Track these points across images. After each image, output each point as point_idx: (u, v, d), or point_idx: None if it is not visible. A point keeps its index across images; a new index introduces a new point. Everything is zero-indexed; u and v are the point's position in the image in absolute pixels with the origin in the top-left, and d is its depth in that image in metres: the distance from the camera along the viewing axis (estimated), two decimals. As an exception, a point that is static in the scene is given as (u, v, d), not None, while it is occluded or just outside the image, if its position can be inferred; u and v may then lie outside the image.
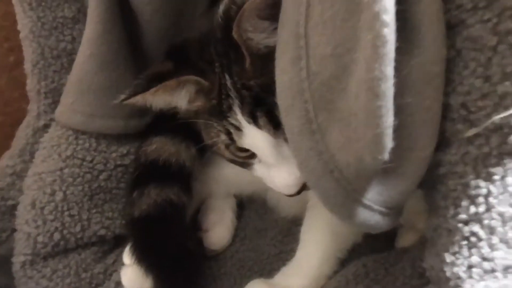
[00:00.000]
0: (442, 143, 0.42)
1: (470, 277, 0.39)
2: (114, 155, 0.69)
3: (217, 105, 0.51)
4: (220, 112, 0.51)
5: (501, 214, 0.39)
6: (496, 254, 0.39)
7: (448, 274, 0.40)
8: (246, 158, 0.54)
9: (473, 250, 0.40)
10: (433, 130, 0.41)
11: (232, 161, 0.57)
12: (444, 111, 0.41)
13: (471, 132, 0.41)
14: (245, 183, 0.71)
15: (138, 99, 0.51)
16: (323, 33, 0.39)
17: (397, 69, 0.36)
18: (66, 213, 0.66)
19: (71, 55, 0.71)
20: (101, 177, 0.68)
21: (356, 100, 0.37)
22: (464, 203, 0.41)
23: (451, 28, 0.40)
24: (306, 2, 0.40)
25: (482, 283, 0.38)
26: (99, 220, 0.68)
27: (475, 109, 0.40)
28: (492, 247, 0.39)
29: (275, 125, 0.48)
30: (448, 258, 0.41)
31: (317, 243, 0.61)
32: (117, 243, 0.70)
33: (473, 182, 0.41)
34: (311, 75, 0.39)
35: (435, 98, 0.40)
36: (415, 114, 0.40)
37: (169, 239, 0.60)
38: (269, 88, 0.44)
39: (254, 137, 0.49)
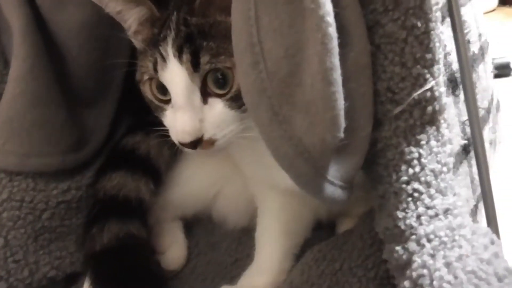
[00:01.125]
0: (376, 123, 0.51)
1: (420, 224, 0.48)
2: (54, 192, 0.67)
3: (156, 34, 0.54)
4: (156, 41, 0.53)
5: (432, 170, 0.49)
6: (435, 202, 0.48)
7: (402, 227, 0.48)
8: (162, 101, 0.56)
9: (418, 203, 0.49)
10: (369, 112, 0.50)
11: (150, 104, 0.58)
12: (374, 96, 0.50)
13: (397, 109, 0.50)
14: (189, 205, 0.74)
15: None
16: (274, 39, 0.45)
17: (340, 61, 0.44)
18: (10, 259, 0.62)
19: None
20: (43, 216, 0.65)
21: (313, 90, 0.44)
22: (403, 167, 0.50)
23: (370, 28, 0.50)
24: (254, 14, 0.46)
25: (431, 226, 0.47)
26: (47, 261, 0.65)
27: (398, 90, 0.50)
28: (431, 197, 0.48)
29: (194, 66, 0.50)
30: (400, 214, 0.49)
31: (274, 243, 0.66)
32: (68, 282, 0.67)
33: (406, 149, 0.50)
34: (270, 75, 0.45)
35: (368, 85, 0.49)
36: (356, 99, 0.48)
37: (133, 267, 0.61)
38: (204, 32, 0.50)
39: (173, 72, 0.51)
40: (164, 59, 0.52)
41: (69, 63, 0.68)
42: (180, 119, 0.52)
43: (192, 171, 0.72)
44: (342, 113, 0.45)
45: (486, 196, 0.57)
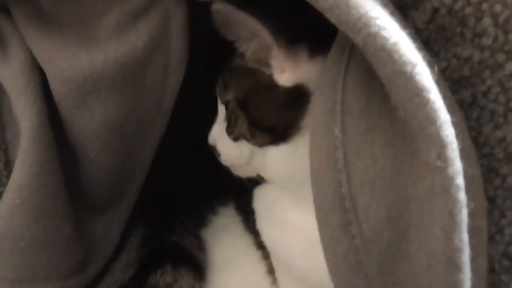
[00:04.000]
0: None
1: None
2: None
3: None
4: None
5: None
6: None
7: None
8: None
9: None
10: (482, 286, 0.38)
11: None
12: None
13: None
14: None
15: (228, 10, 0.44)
16: (372, 193, 0.34)
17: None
18: None
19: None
20: None
21: (430, 273, 0.32)
22: None
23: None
24: (343, 157, 0.35)
25: None
26: None
27: (520, 260, 0.38)
28: None
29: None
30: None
31: None
32: None
33: None
34: (368, 243, 0.33)
35: (483, 255, 0.37)
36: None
37: None
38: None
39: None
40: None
41: (84, 166, 0.57)
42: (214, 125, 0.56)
43: None
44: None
45: None
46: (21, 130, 0.51)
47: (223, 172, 0.57)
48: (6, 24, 0.52)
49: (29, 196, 0.51)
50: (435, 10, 0.36)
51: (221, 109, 0.54)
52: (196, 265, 0.62)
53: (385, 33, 0.31)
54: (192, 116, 0.61)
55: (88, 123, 0.54)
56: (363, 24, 0.32)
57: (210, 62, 0.58)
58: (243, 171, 0.55)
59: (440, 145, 0.31)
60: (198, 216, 0.69)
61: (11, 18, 0.52)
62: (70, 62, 0.49)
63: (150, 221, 0.69)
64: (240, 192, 0.62)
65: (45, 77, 0.52)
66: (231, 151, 0.53)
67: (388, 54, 0.31)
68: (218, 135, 0.55)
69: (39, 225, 0.52)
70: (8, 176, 0.56)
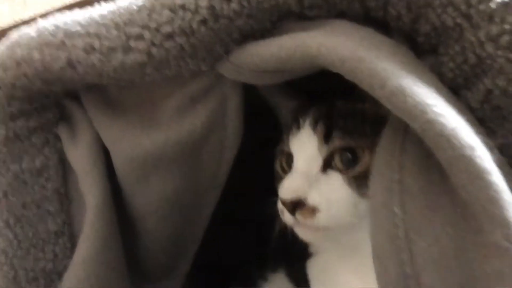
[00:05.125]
0: None
1: None
2: None
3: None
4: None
5: None
6: None
7: None
8: (285, 172, 0.52)
9: None
10: None
11: (276, 175, 0.55)
12: None
13: None
14: None
15: None
16: (438, 273, 0.34)
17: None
18: None
19: (50, 275, 0.58)
20: None
21: None
22: None
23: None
24: (404, 235, 0.36)
25: None
26: None
27: None
28: None
29: (326, 137, 0.48)
30: None
31: None
32: None
33: None
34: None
35: None
36: None
37: None
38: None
39: (303, 139, 0.50)
40: (298, 128, 0.51)
41: (142, 237, 0.59)
42: (291, 177, 0.49)
43: None
44: None
45: None
46: (87, 206, 0.55)
47: (273, 236, 0.58)
48: (76, 109, 0.57)
49: (93, 270, 0.54)
50: (489, 91, 0.37)
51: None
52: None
53: (442, 119, 0.33)
54: (241, 185, 0.63)
55: (148, 197, 0.57)
56: (420, 111, 0.33)
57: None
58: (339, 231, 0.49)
59: (506, 225, 0.32)
60: (249, 284, 0.69)
61: (80, 103, 0.57)
62: (134, 143, 0.52)
63: (202, 291, 0.70)
64: (291, 257, 0.62)
65: (109, 157, 0.55)
66: (341, 200, 0.46)
67: (447, 139, 0.32)
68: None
69: (99, 300, 0.54)
70: (71, 249, 0.59)
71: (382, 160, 0.39)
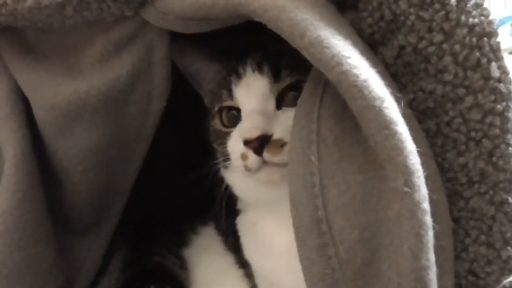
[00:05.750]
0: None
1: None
2: None
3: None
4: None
5: None
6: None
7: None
8: (228, 128, 0.54)
9: None
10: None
11: (216, 135, 0.56)
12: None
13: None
14: None
15: None
16: (346, 216, 0.37)
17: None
18: None
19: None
20: None
21: (400, 290, 0.35)
22: None
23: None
24: (319, 183, 0.38)
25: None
26: None
27: (484, 275, 0.41)
28: None
29: (275, 77, 0.50)
30: None
31: None
32: None
33: None
34: (343, 263, 0.36)
35: (450, 273, 0.40)
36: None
37: None
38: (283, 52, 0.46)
39: (250, 84, 0.51)
40: (239, 77, 0.52)
41: (67, 189, 0.57)
42: (250, 119, 0.49)
43: None
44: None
45: None
46: (5, 157, 0.52)
47: (203, 193, 0.59)
48: (-11, 53, 0.53)
49: (13, 222, 0.52)
50: (402, 47, 0.39)
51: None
52: (179, 284, 0.63)
53: (356, 71, 0.34)
54: (172, 139, 0.63)
55: (71, 148, 0.55)
56: (335, 62, 0.34)
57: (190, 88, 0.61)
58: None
59: (407, 173, 0.34)
60: (179, 236, 0.70)
61: (-6, 47, 0.53)
62: (54, 91, 0.50)
63: (131, 243, 0.70)
64: (219, 213, 0.63)
65: (28, 105, 0.53)
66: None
67: (359, 90, 0.34)
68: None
69: (22, 251, 0.52)
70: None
71: (303, 112, 0.41)
